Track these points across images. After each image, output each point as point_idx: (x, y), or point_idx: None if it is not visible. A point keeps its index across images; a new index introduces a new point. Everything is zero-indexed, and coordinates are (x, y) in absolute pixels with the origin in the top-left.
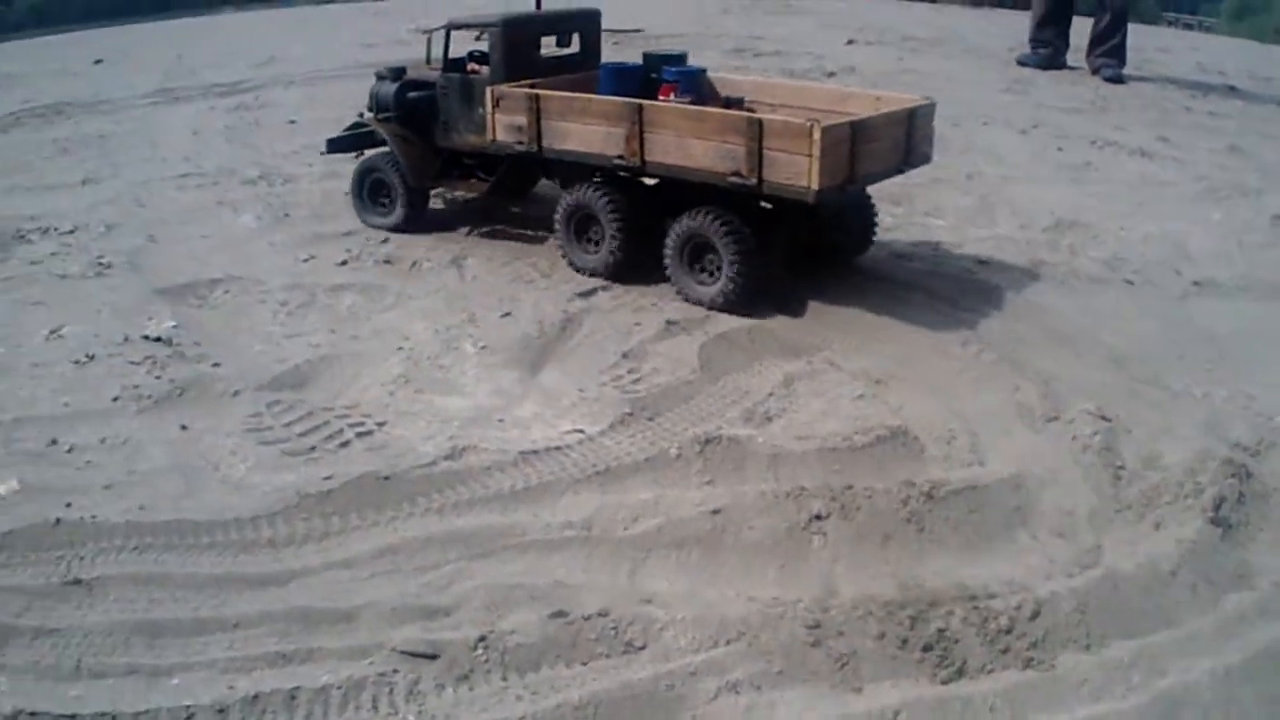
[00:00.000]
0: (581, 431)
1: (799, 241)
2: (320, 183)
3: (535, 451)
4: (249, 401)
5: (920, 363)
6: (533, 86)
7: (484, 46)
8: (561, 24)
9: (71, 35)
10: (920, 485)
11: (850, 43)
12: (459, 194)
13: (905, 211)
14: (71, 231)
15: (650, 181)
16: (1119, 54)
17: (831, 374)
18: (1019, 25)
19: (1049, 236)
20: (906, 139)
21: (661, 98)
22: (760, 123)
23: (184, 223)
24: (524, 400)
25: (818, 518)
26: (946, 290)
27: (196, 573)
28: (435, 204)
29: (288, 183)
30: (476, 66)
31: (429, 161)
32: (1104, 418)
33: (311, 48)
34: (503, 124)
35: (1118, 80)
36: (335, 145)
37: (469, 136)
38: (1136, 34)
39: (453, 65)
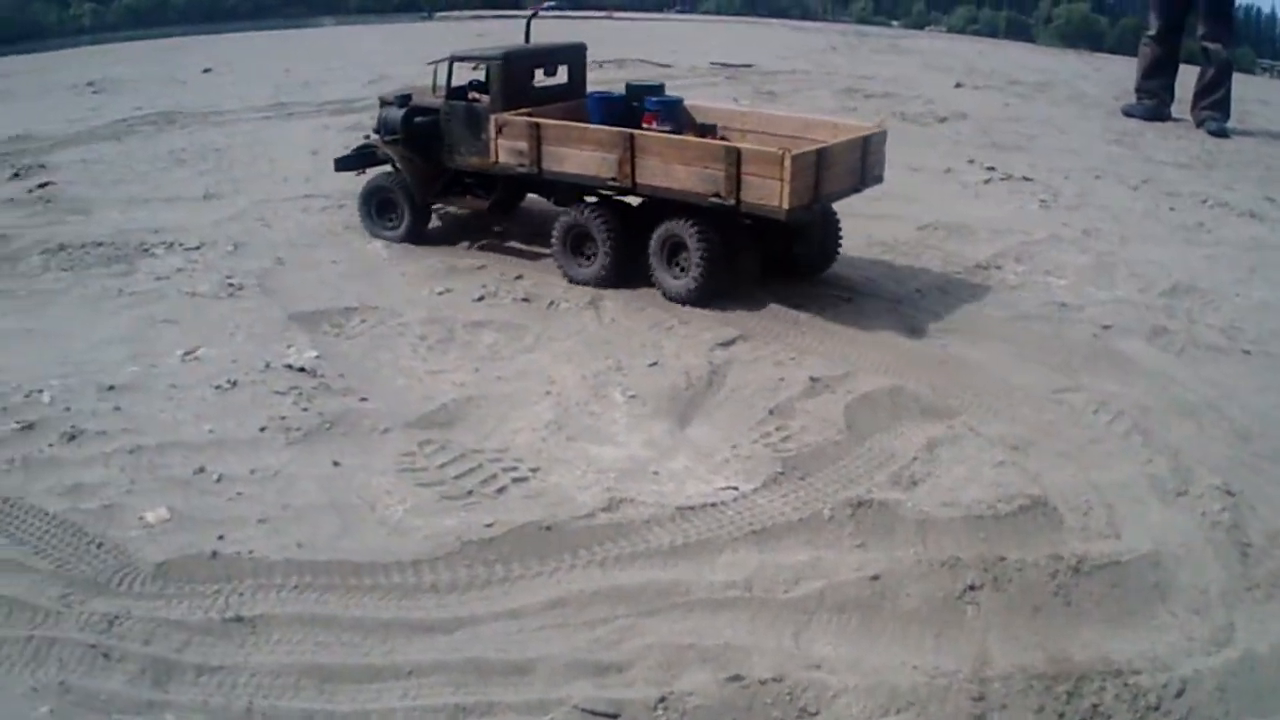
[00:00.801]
0: (735, 489)
1: (768, 252)
2: (448, 212)
3: (692, 507)
4: (400, 439)
5: (1055, 430)
6: (530, 114)
7: (482, 76)
8: (553, 57)
9: (173, 40)
10: (1067, 559)
11: (958, 86)
12: (459, 210)
13: (1027, 270)
14: (198, 248)
15: (635, 201)
16: (1224, 107)
17: (971, 439)
18: (1122, 72)
19: (1166, 301)
20: (862, 163)
21: (645, 125)
22: (738, 150)
23: (312, 246)
24: (676, 453)
25: (971, 588)
26: (1074, 356)
27: (362, 616)
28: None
29: None
30: (478, 95)
31: (432, 181)
32: (1229, 493)
33: (419, 66)
34: (505, 148)
35: (1223, 134)
36: (343, 164)
37: (470, 158)
38: (1235, 84)
39: (455, 93)
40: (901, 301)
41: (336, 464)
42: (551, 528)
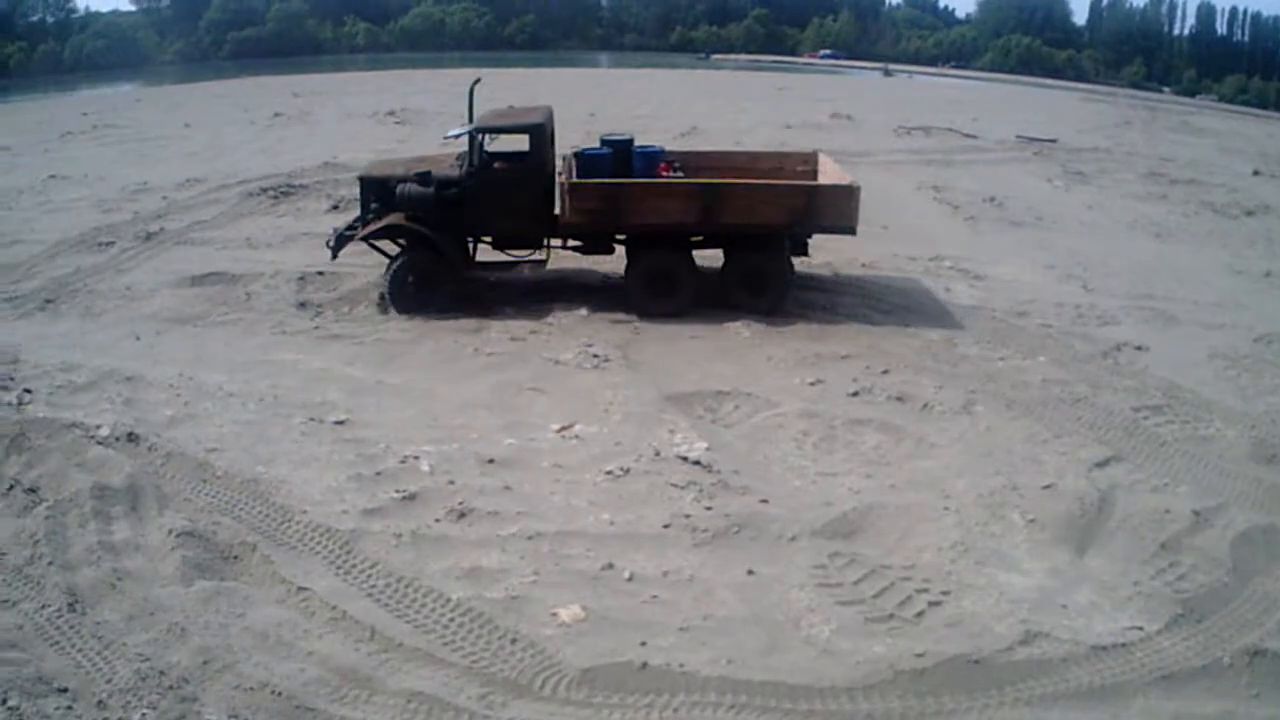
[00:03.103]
0: (1140, 629)
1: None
2: (806, 293)
3: (1104, 647)
4: (808, 549)
5: None
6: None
7: (495, 146)
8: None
9: (454, 71)
10: None
11: (1256, 174)
12: (503, 272)
13: None
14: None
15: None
16: None
17: None
18: None
19: None
20: None
21: (663, 173)
22: (815, 187)
23: (668, 317)
24: (1080, 585)
25: None
26: None
27: None
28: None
29: None
30: (504, 164)
31: (465, 248)
32: None
33: (728, 118)
34: (576, 208)
35: None
36: (338, 244)
37: (507, 222)
38: None
39: (484, 163)
40: (1255, 425)
41: (751, 573)
42: (979, 662)
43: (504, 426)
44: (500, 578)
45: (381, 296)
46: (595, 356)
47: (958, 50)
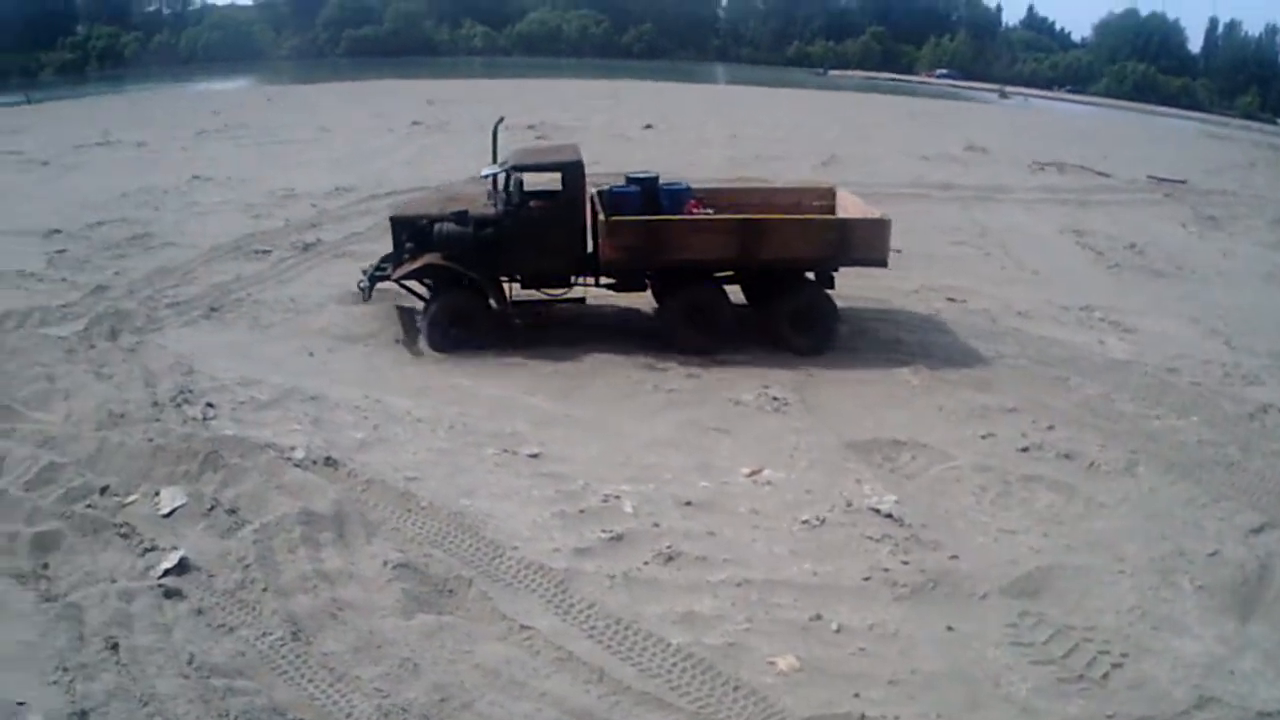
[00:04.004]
0: None
1: None
2: (970, 341)
3: (1269, 713)
4: (999, 607)
5: None
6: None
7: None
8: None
9: (574, 82)
10: None
11: None
12: (539, 311)
13: None
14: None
15: (721, 275)
16: None
17: None
18: None
19: None
20: None
21: (693, 210)
22: (847, 221)
23: (834, 359)
24: (1245, 652)
25: None
26: None
27: None
28: None
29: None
30: (541, 203)
31: (502, 287)
32: None
33: (865, 146)
34: (616, 245)
35: None
36: (373, 285)
37: (542, 261)
38: None
39: (521, 201)
40: None
41: (949, 629)
42: None
43: (695, 468)
44: (715, 624)
45: (401, 338)
46: (775, 399)
47: (1073, 74)
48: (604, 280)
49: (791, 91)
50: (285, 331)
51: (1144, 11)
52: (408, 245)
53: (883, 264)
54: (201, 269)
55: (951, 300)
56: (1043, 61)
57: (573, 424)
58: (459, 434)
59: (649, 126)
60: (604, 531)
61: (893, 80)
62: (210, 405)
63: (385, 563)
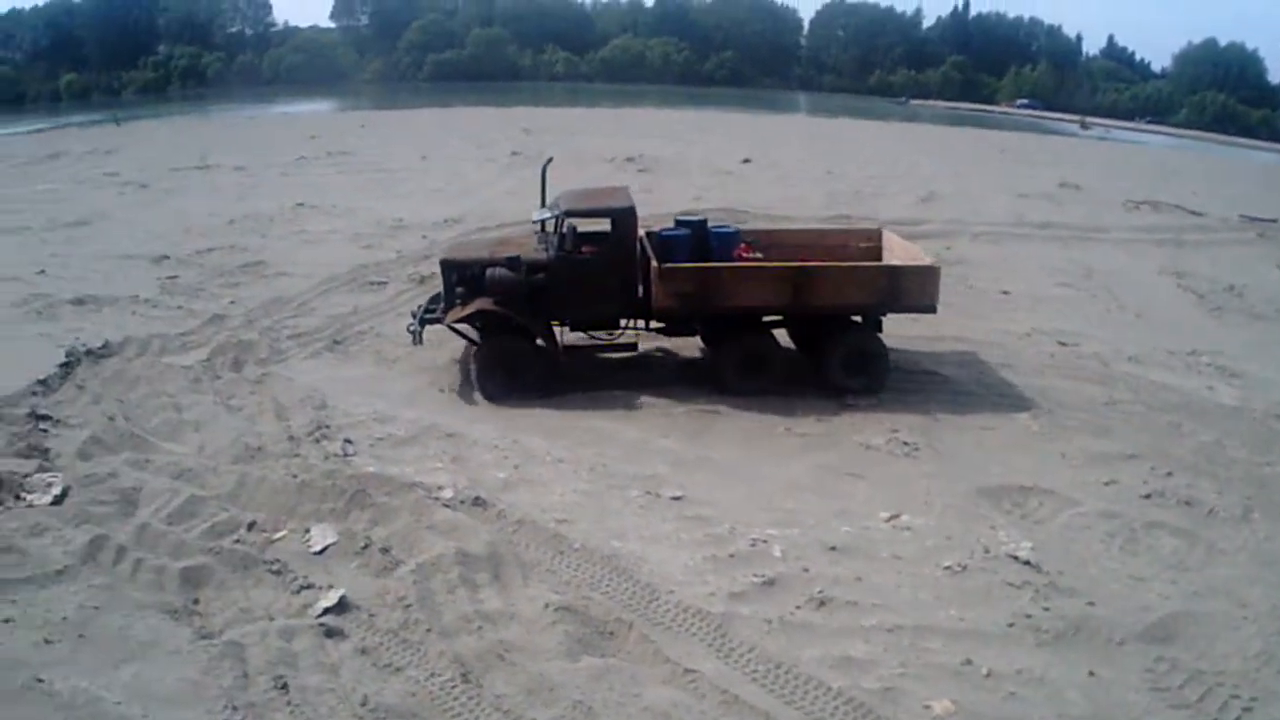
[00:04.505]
0: None
1: None
2: (1085, 387)
3: None
4: (1135, 653)
5: None
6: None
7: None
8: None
9: (659, 112)
10: None
11: None
12: (596, 355)
13: None
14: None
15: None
16: None
17: None
18: None
19: None
20: None
21: (744, 253)
22: (898, 268)
23: (962, 406)
24: None
25: None
26: None
27: None
28: None
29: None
30: (591, 248)
31: (553, 332)
32: None
33: (961, 182)
34: (668, 292)
35: None
36: (423, 325)
37: (591, 306)
38: None
39: (573, 246)
40: None
41: (1092, 674)
42: None
43: (835, 513)
44: (870, 668)
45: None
46: (905, 444)
47: (1153, 105)
48: (654, 324)
49: (880, 124)
50: (411, 366)
51: (1223, 42)
52: (458, 290)
53: (931, 310)
54: (318, 300)
55: (1062, 344)
56: (1123, 92)
57: (710, 467)
58: (600, 476)
59: (747, 161)
60: (755, 576)
61: (974, 110)
62: (349, 441)
63: (546, 605)
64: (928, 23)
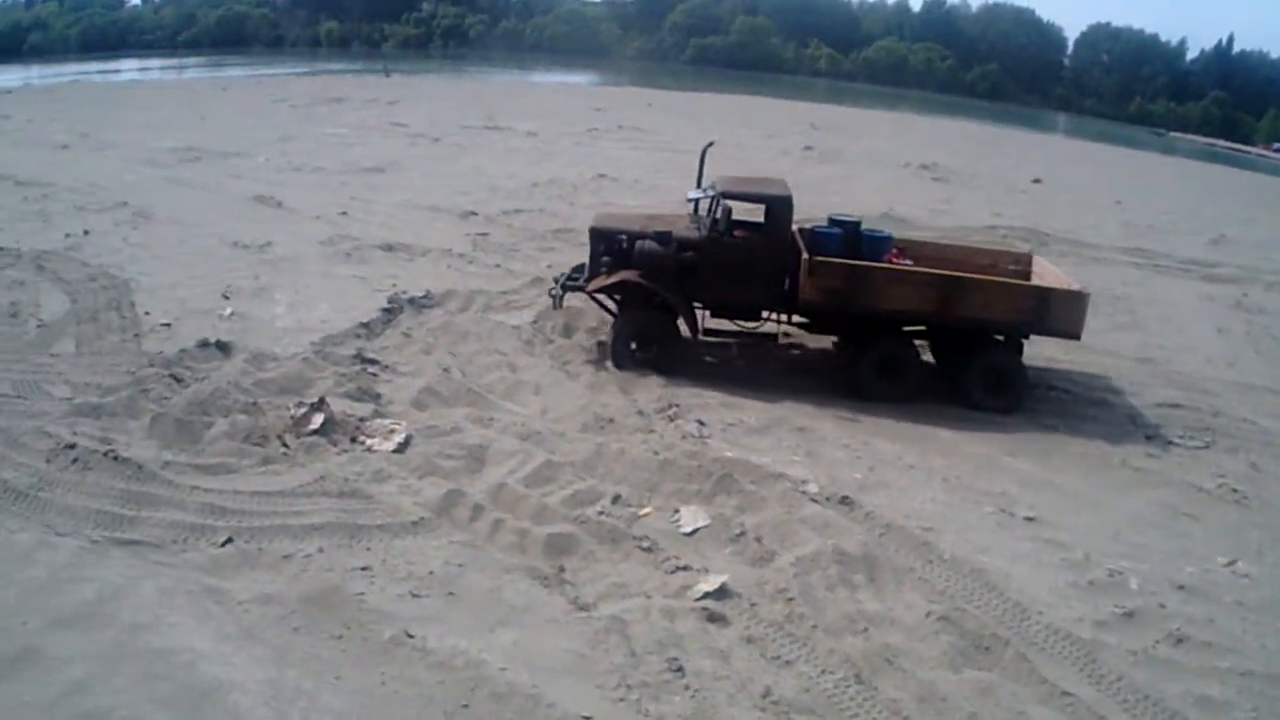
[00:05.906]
0: None
1: None
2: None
3: None
4: None
5: None
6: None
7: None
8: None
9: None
10: None
11: None
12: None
13: None
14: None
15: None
16: None
17: None
18: None
19: None
20: None
21: (895, 260)
22: (1047, 289)
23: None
24: None
25: None
26: None
27: None
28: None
29: None
30: (745, 233)
31: (694, 312)
32: None
33: (1249, 227)
34: (816, 286)
35: None
36: (564, 291)
37: (736, 291)
38: None
39: (726, 229)
40: None
41: None
42: None
43: (1179, 552)
44: (1226, 710)
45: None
46: (1234, 491)
47: None
48: (796, 319)
49: (1146, 154)
50: (751, 352)
51: None
52: (604, 259)
53: (1076, 337)
54: None
55: None
56: None
57: (1056, 490)
58: (953, 488)
59: (1037, 181)
60: (1116, 606)
61: (1230, 149)
62: (701, 423)
63: (928, 614)
64: (1191, 54)
